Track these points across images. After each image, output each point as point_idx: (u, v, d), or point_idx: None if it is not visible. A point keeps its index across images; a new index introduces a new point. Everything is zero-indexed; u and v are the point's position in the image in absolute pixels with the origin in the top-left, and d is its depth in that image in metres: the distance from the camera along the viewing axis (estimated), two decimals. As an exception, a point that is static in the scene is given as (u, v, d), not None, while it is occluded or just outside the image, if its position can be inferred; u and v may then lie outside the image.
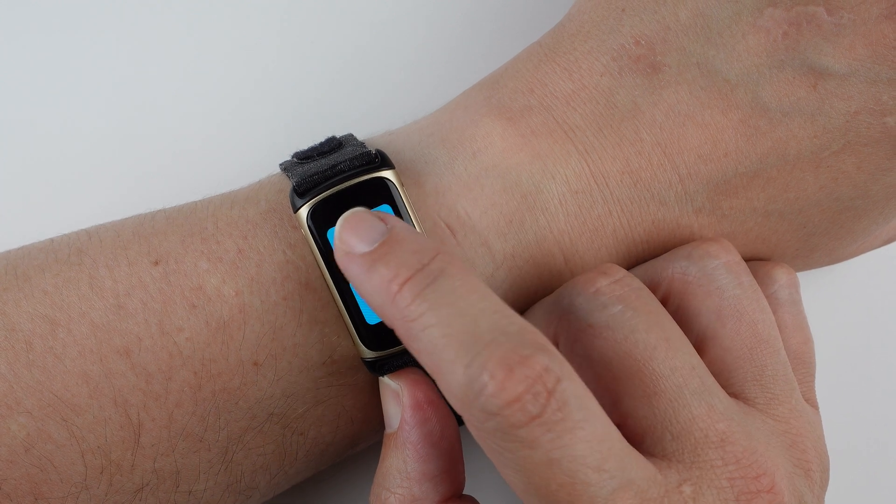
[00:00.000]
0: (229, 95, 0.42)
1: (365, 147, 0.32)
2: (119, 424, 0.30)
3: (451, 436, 0.31)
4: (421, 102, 0.40)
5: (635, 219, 0.33)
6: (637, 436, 0.29)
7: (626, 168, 0.32)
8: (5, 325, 0.30)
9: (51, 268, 0.31)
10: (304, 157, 0.32)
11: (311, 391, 0.31)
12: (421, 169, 0.32)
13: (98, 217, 0.34)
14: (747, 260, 0.34)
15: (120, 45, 0.42)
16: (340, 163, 0.31)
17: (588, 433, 0.25)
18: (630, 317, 0.30)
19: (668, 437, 0.28)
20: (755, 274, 0.34)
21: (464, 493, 0.32)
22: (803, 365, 0.33)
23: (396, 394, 0.31)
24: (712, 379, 0.30)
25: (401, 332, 0.27)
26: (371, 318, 0.30)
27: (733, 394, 0.31)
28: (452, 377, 0.26)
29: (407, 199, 0.31)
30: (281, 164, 0.33)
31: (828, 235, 0.35)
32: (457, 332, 0.26)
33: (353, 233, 0.28)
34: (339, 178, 0.30)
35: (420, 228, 0.31)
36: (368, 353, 0.31)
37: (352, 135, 0.34)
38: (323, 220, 0.30)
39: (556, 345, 0.30)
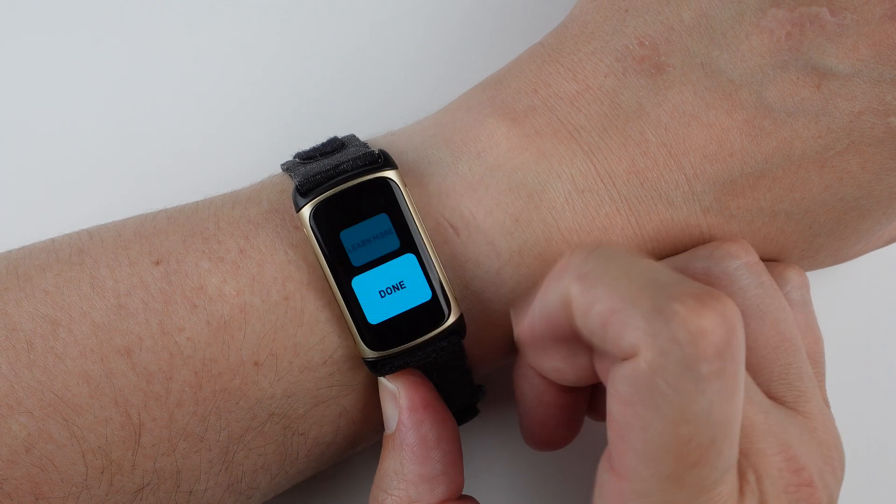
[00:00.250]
0: (230, 95, 0.42)
1: (368, 147, 0.32)
2: (120, 424, 0.30)
3: (449, 438, 0.31)
4: (421, 102, 0.40)
5: (643, 218, 0.33)
6: None
7: (632, 168, 0.32)
8: (6, 324, 0.30)
9: (52, 267, 0.31)
10: (306, 157, 0.32)
11: (311, 391, 0.31)
12: (424, 169, 0.32)
13: (99, 217, 0.34)
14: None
15: (120, 45, 0.42)
16: (343, 163, 0.31)
17: (741, 402, 0.25)
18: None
19: None
20: None
21: (464, 493, 0.32)
22: (816, 365, 0.33)
23: (394, 395, 0.31)
24: (746, 374, 0.29)
25: (574, 292, 0.27)
26: (373, 318, 0.30)
27: None
28: (636, 309, 0.25)
29: (410, 199, 0.31)
30: (283, 164, 0.33)
31: (833, 236, 0.35)
32: (637, 278, 0.26)
33: None
34: (342, 178, 0.31)
35: (422, 228, 0.31)
36: (370, 354, 0.31)
37: (354, 135, 0.34)
38: (325, 220, 0.30)
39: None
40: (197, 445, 0.31)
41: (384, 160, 0.31)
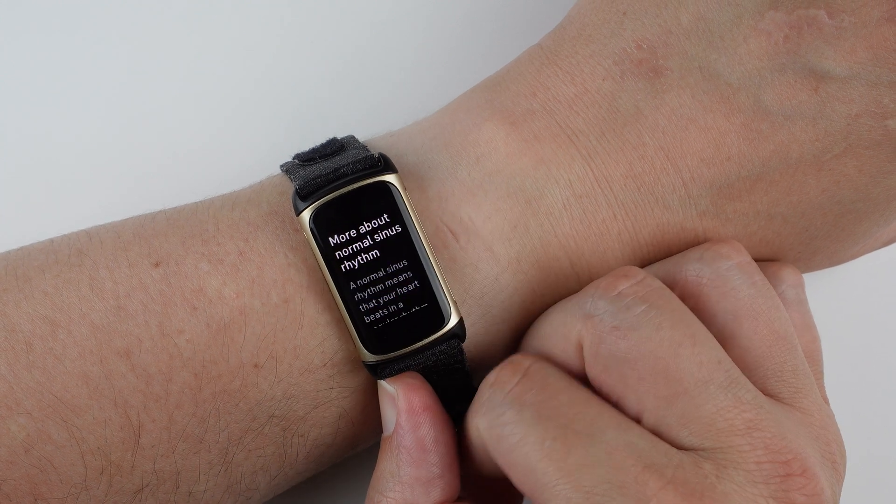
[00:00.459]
0: (229, 96, 0.42)
1: (367, 150, 0.32)
2: (119, 425, 0.30)
3: (446, 441, 0.31)
4: (421, 102, 0.40)
5: (640, 222, 0.33)
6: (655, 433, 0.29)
7: (629, 172, 0.32)
8: (5, 326, 0.30)
9: (51, 269, 0.31)
10: (305, 158, 0.32)
11: (311, 393, 0.31)
12: (424, 173, 0.32)
13: (98, 218, 0.34)
14: (751, 263, 0.34)
15: (120, 46, 0.42)
16: (343, 166, 0.31)
17: None
18: (654, 315, 0.29)
19: (684, 433, 0.28)
20: None
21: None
22: (813, 363, 0.33)
23: (393, 397, 0.31)
24: (739, 372, 0.29)
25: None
26: (373, 322, 0.30)
27: None
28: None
29: (409, 203, 0.31)
30: (282, 166, 0.33)
31: (829, 238, 0.35)
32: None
33: None
34: (342, 182, 0.30)
35: (422, 232, 0.31)
36: (370, 357, 0.31)
37: (353, 136, 0.34)
38: (325, 224, 0.30)
39: (581, 348, 0.30)
40: (196, 447, 0.31)
41: (384, 164, 0.31)
